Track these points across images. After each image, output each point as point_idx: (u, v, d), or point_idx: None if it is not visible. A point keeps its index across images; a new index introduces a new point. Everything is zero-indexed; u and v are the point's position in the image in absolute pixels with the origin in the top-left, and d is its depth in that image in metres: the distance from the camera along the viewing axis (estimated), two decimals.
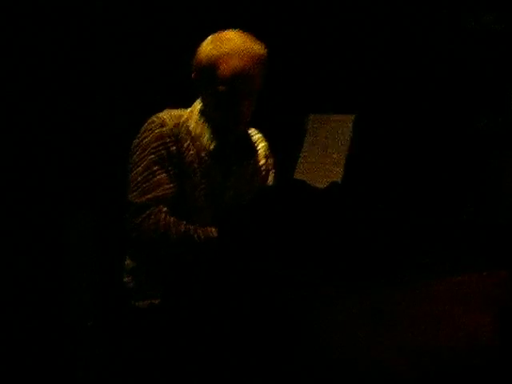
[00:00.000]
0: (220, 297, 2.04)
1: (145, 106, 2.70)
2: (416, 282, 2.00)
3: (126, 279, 2.60)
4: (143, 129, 2.61)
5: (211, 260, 2.19)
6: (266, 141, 2.82)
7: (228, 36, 2.58)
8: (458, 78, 3.10)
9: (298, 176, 2.52)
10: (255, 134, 2.80)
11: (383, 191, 2.32)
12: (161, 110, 2.65)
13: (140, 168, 2.55)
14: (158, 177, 2.53)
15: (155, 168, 2.54)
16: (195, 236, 2.45)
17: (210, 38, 2.62)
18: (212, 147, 2.62)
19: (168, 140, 2.57)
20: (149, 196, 2.51)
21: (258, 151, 2.77)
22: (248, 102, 2.59)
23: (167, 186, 2.53)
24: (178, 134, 2.59)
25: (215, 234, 2.42)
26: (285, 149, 2.75)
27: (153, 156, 2.55)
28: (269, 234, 2.06)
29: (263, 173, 2.78)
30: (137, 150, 2.58)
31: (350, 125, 2.48)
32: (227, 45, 2.55)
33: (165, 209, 2.50)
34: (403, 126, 2.74)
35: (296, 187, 2.19)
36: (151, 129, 2.59)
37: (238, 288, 2.01)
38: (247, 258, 2.05)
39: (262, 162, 2.78)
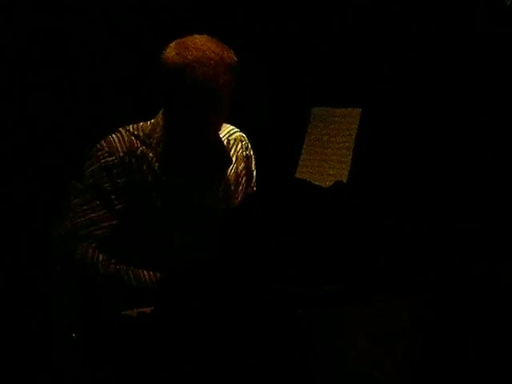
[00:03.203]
0: (218, 308, 1.96)
1: (140, 112, 2.59)
2: (429, 293, 1.96)
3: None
4: (90, 154, 2.41)
5: (209, 268, 2.08)
6: (244, 140, 2.59)
7: (193, 43, 2.34)
8: (474, 69, 3.05)
9: (299, 175, 2.44)
10: (232, 134, 2.58)
11: (395, 192, 2.21)
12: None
13: (78, 199, 2.36)
14: (96, 213, 2.34)
15: (96, 203, 2.34)
16: (125, 278, 2.30)
17: (173, 43, 2.38)
18: (175, 168, 2.42)
19: (115, 171, 2.37)
20: (80, 232, 2.33)
21: (232, 158, 2.54)
22: (215, 113, 2.37)
23: (104, 224, 2.34)
24: (129, 162, 2.38)
25: (147, 278, 2.29)
26: (286, 145, 2.68)
27: (95, 189, 2.35)
28: (267, 241, 1.96)
29: (244, 178, 2.58)
30: (80, 177, 2.39)
31: (357, 119, 2.39)
32: (192, 52, 2.31)
33: (94, 245, 2.32)
34: (417, 119, 2.62)
35: (298, 187, 2.09)
36: (97, 157, 2.38)
37: (239, 301, 1.94)
38: (247, 271, 1.96)
39: (242, 166, 2.57)
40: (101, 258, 2.32)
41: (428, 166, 2.45)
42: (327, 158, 2.43)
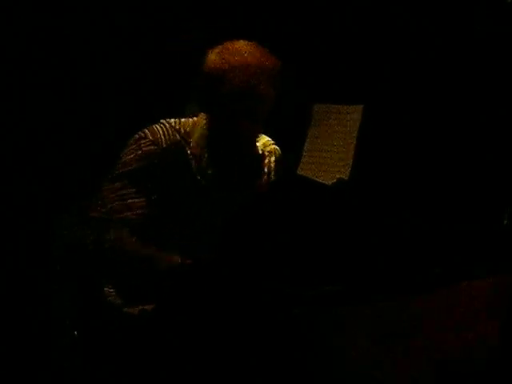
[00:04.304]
0: (219, 306, 1.96)
1: (140, 111, 2.58)
2: (429, 291, 1.95)
3: (106, 289, 2.45)
4: (132, 141, 2.39)
5: (211, 269, 2.06)
6: (279, 153, 2.57)
7: (236, 48, 2.32)
8: (476, 66, 3.04)
9: (301, 172, 2.44)
10: (268, 146, 2.55)
11: (396, 190, 2.20)
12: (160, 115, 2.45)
13: (117, 184, 2.34)
14: (132, 200, 2.33)
15: (132, 190, 2.33)
16: (155, 261, 2.26)
17: (218, 47, 2.35)
18: (211, 171, 2.41)
19: (156, 161, 2.35)
20: (117, 215, 2.31)
21: (265, 170, 2.51)
22: (253, 123, 2.34)
23: (139, 212, 2.33)
24: (170, 154, 2.37)
25: (177, 263, 2.23)
26: (287, 142, 2.67)
27: (133, 176, 2.33)
28: (270, 240, 1.95)
29: None
30: (119, 163, 2.37)
31: (358, 116, 2.39)
32: (235, 57, 2.28)
33: (127, 229, 2.29)
34: (418, 117, 2.62)
35: (299, 184, 2.08)
36: (140, 145, 2.36)
37: (240, 301, 1.93)
38: (245, 270, 1.96)
39: (273, 178, 2.52)
40: (134, 240, 2.29)
41: (429, 164, 2.44)
42: (329, 154, 2.43)
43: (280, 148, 2.64)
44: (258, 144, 2.54)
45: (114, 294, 2.44)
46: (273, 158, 2.55)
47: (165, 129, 2.40)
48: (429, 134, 2.58)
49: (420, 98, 2.98)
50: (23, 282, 3.37)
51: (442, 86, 3.07)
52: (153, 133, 2.39)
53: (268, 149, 2.56)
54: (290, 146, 2.61)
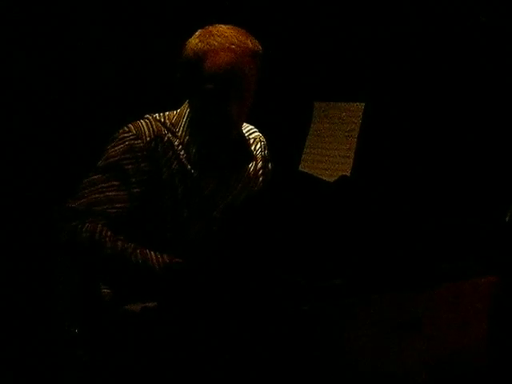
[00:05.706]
0: (223, 302, 1.96)
1: (140, 112, 2.56)
2: (430, 289, 1.95)
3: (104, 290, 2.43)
4: (116, 135, 2.38)
5: (213, 262, 2.05)
6: (263, 140, 2.60)
7: (218, 30, 2.33)
8: (477, 64, 3.04)
9: (302, 169, 2.44)
10: (252, 133, 2.57)
11: (398, 187, 2.19)
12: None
13: (97, 176, 2.32)
14: (112, 193, 2.30)
15: (114, 183, 2.31)
16: (132, 257, 2.22)
17: (198, 32, 2.37)
18: (200, 159, 2.40)
19: (139, 154, 2.33)
20: (93, 208, 2.27)
21: (254, 155, 2.54)
22: (239, 103, 2.33)
23: (119, 205, 2.30)
24: (155, 148, 2.36)
25: (154, 259, 2.22)
26: (289, 139, 2.67)
27: (116, 169, 2.32)
28: (272, 235, 1.95)
29: (261, 178, 2.56)
30: (102, 157, 2.36)
31: (360, 114, 2.39)
32: (216, 39, 2.30)
33: (103, 222, 2.26)
34: (420, 114, 2.61)
35: (301, 181, 2.07)
36: (123, 138, 2.35)
37: (244, 295, 1.93)
38: (253, 263, 1.95)
39: (260, 165, 2.56)
40: (109, 234, 2.25)
41: (430, 161, 2.44)
42: (330, 152, 2.43)
43: (281, 146, 2.64)
44: (243, 131, 2.54)
45: (108, 291, 2.44)
46: (258, 145, 2.57)
47: (149, 123, 2.40)
48: (431, 130, 2.59)
49: (421, 96, 2.98)
50: (23, 281, 3.36)
51: (443, 84, 3.07)
52: (136, 127, 2.38)
53: (253, 136, 2.58)
54: (292, 144, 2.61)
